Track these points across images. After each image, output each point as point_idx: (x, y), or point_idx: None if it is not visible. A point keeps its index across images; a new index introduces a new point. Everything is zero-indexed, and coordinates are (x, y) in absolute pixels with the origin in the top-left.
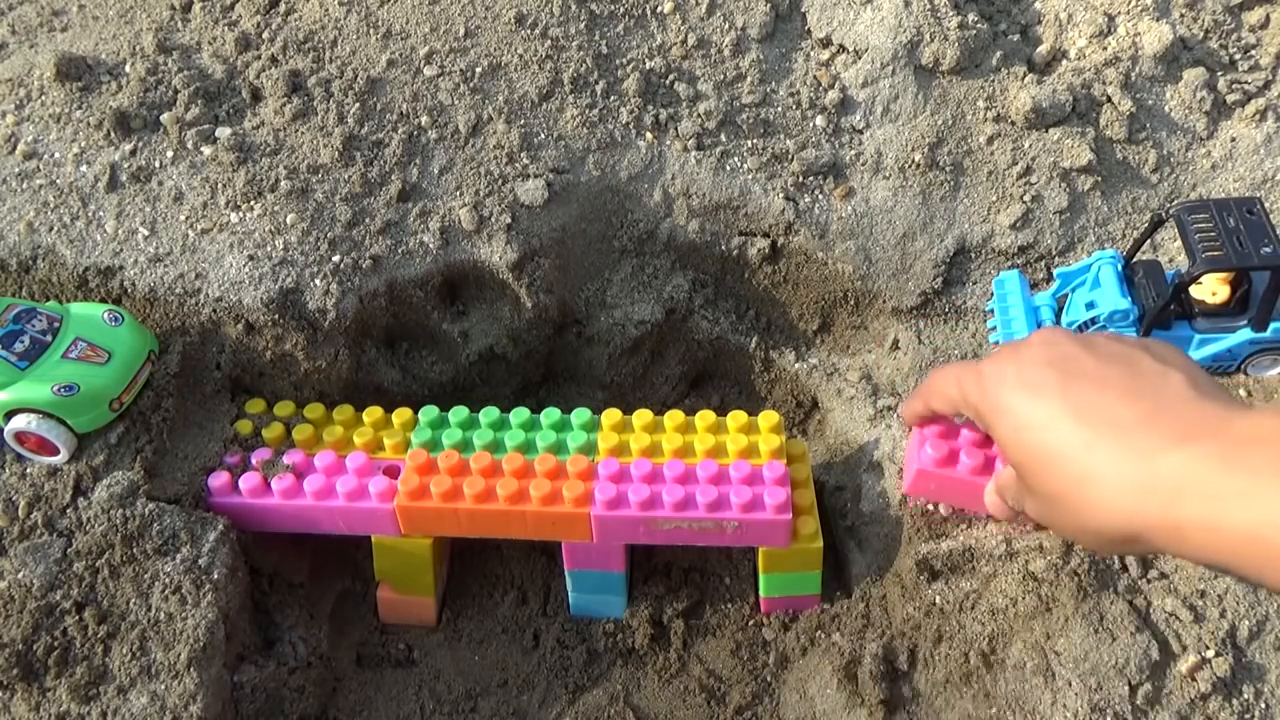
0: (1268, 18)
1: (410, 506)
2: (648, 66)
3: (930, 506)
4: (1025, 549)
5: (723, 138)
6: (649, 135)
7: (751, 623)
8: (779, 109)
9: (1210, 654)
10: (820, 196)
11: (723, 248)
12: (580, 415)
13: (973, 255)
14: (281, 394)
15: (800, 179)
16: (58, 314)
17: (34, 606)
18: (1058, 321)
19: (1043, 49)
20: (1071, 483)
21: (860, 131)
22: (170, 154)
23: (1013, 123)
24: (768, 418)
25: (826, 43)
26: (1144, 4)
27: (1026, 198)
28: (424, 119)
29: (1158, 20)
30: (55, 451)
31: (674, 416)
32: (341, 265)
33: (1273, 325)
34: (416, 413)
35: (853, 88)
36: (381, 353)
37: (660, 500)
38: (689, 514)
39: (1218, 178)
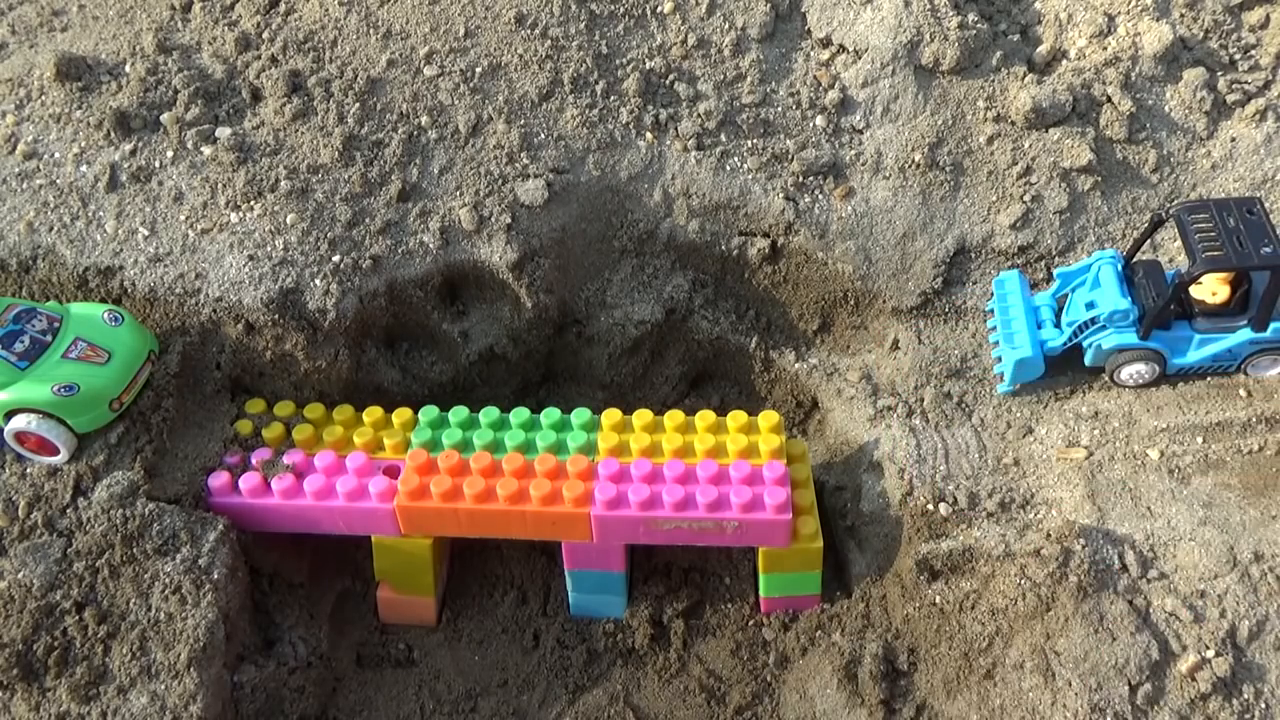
0: (1268, 18)
1: (410, 506)
2: (648, 66)
3: (930, 506)
4: (1024, 550)
5: (723, 138)
6: (649, 135)
7: (751, 623)
8: (779, 109)
9: (1210, 654)
10: (820, 196)
11: (723, 248)
12: (580, 415)
13: (973, 255)
14: (281, 394)
15: (800, 179)
16: (58, 314)
17: (34, 606)
18: (1058, 321)
19: (1043, 49)
20: None
21: (860, 131)
22: (170, 154)
23: (1013, 123)
24: (768, 418)
25: (826, 43)
26: (1144, 4)
27: (1026, 198)
28: (424, 119)
29: (1158, 20)
30: (55, 451)
31: (674, 416)
32: (341, 265)
33: (1273, 325)
34: (416, 413)
35: (853, 88)
36: (381, 353)
37: (660, 500)
38: (689, 514)
39: (1218, 178)
